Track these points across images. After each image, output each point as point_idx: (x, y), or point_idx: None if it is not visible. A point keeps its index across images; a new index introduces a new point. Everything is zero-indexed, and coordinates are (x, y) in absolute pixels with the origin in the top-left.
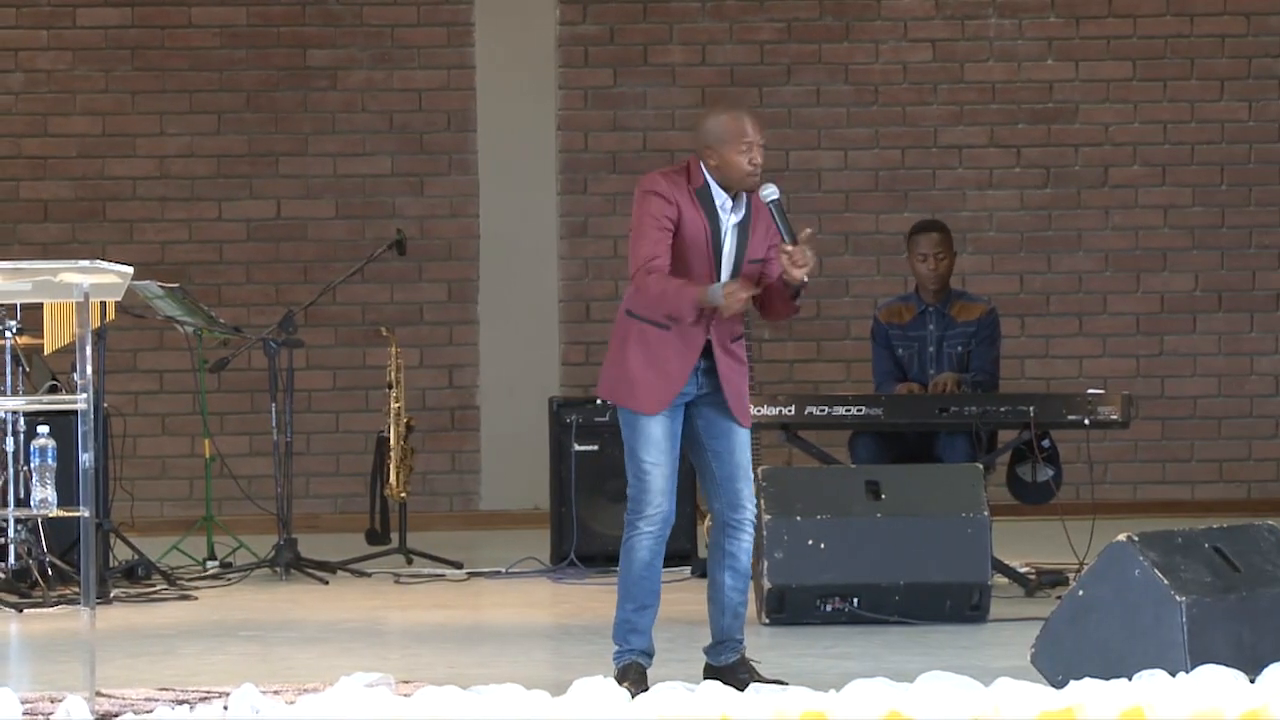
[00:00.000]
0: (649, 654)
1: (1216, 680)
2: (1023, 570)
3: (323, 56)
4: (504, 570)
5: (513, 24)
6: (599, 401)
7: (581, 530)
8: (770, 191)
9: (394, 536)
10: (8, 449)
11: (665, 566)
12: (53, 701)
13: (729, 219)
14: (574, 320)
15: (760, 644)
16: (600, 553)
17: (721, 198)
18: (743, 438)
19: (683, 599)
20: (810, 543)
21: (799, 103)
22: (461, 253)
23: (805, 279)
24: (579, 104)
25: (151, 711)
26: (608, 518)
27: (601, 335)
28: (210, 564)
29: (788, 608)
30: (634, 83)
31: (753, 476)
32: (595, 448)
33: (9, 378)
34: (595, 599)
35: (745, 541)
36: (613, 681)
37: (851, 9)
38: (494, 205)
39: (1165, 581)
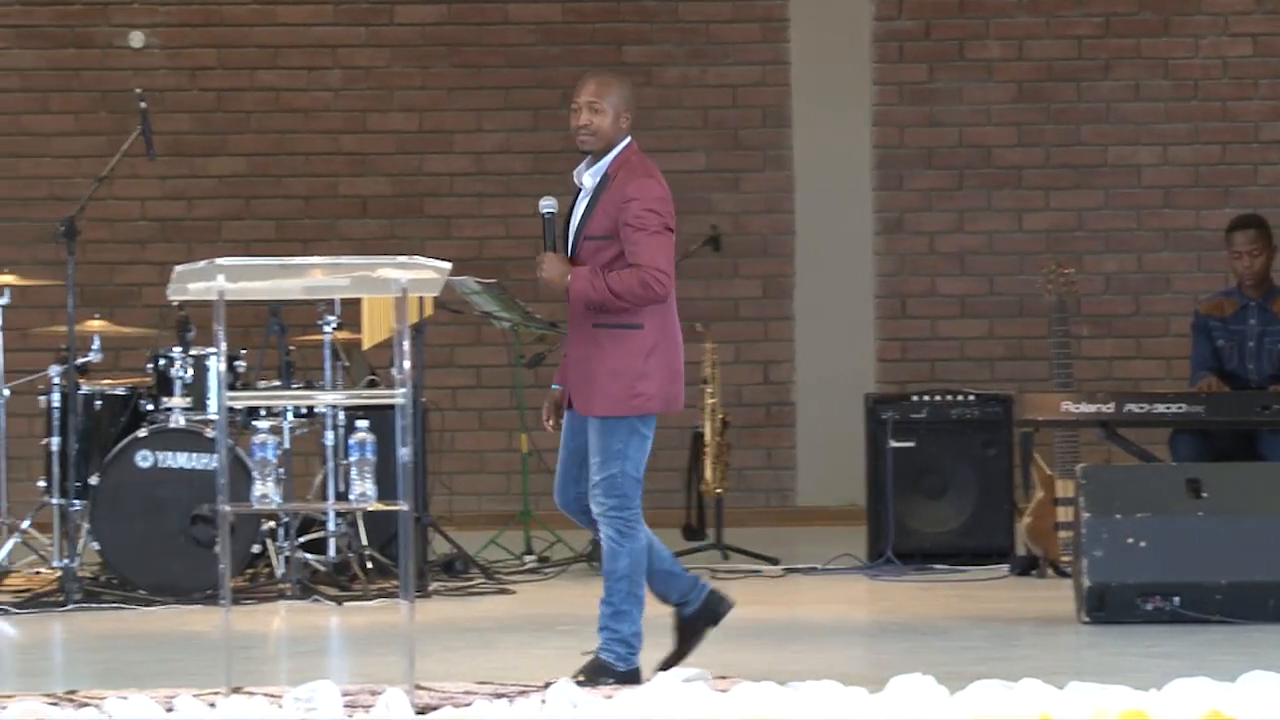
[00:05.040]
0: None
1: None
2: None
3: (638, 53)
4: (820, 566)
5: (828, 20)
6: (915, 398)
7: (898, 527)
8: (545, 204)
9: (710, 532)
10: (327, 443)
11: (980, 564)
12: (373, 694)
13: (581, 196)
14: (889, 316)
15: (1079, 642)
16: (917, 550)
17: (583, 168)
18: (594, 424)
19: (1000, 596)
20: (1130, 541)
21: (1117, 98)
22: (776, 249)
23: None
24: (894, 99)
25: (470, 705)
26: (924, 515)
27: (917, 331)
28: (528, 558)
29: (1108, 606)
30: (950, 78)
31: (607, 467)
32: (912, 444)
33: (328, 372)
34: (912, 596)
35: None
36: None
37: (1171, 3)
38: (809, 201)
39: None
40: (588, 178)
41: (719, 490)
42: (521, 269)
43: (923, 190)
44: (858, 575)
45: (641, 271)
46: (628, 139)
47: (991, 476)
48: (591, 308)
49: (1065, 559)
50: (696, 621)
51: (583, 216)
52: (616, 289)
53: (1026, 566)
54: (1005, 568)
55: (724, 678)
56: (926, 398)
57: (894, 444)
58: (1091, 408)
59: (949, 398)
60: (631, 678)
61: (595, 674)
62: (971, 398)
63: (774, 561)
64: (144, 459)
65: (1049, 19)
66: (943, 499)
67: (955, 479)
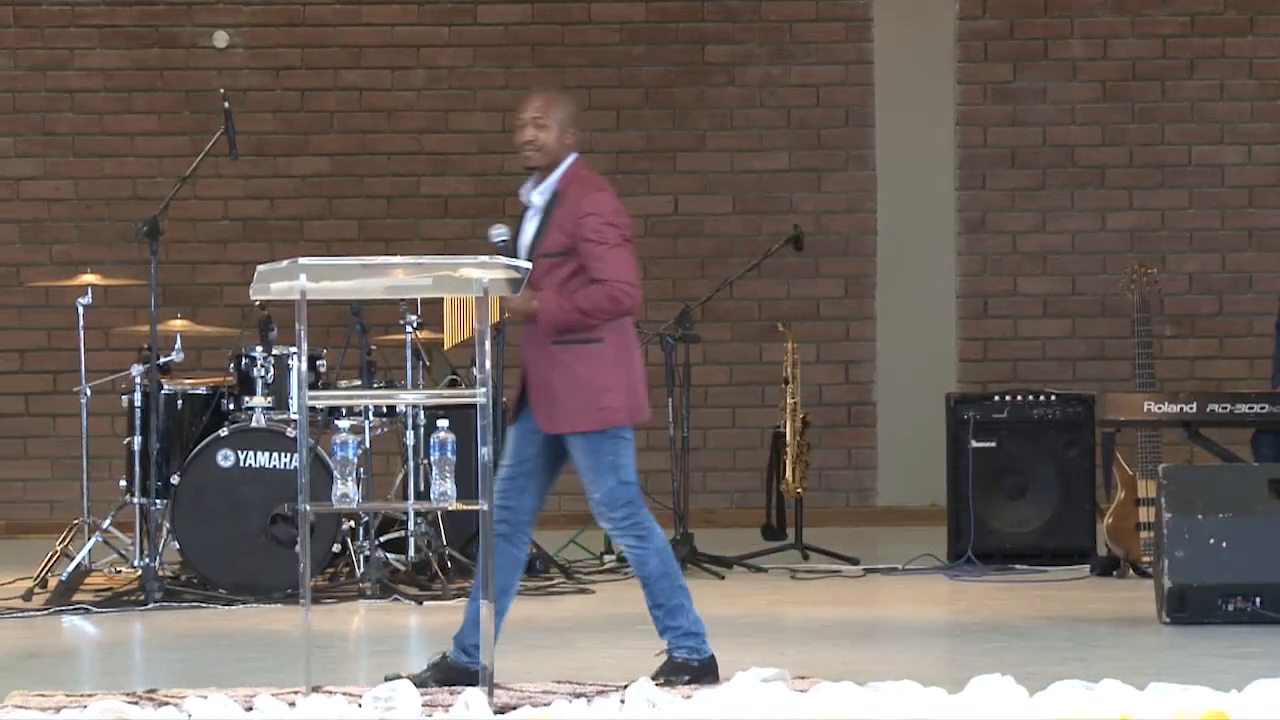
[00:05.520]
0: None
1: None
2: None
3: (721, 52)
4: (900, 566)
5: (911, 19)
6: (997, 398)
7: (979, 527)
8: (497, 232)
9: (790, 532)
10: (408, 442)
11: (1061, 564)
12: (452, 694)
13: (530, 209)
14: (971, 316)
15: (1160, 643)
16: (998, 550)
17: (529, 186)
18: (575, 443)
19: (1081, 597)
20: (1211, 542)
21: (1201, 97)
22: (858, 248)
23: (515, 314)
24: (978, 99)
25: (549, 704)
26: (1006, 515)
27: (999, 331)
28: (607, 558)
29: (1189, 607)
30: (1034, 77)
31: (603, 482)
32: (993, 444)
33: (409, 372)
34: (993, 596)
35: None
36: None
37: (1256, 2)
38: (891, 201)
39: None
40: (536, 196)
41: (799, 490)
42: None
43: (1006, 190)
44: (938, 575)
45: (609, 286)
46: (573, 155)
47: (1073, 476)
48: (561, 330)
49: (1146, 559)
50: (456, 670)
51: (535, 235)
52: (585, 307)
53: (1108, 567)
54: (1086, 568)
55: (803, 678)
56: (1008, 397)
57: (975, 444)
58: (1174, 408)
59: (1031, 398)
60: (709, 666)
61: (673, 673)
62: (1053, 398)
63: (854, 561)
64: (225, 458)
65: (1133, 18)
66: (1024, 499)
67: (1037, 479)
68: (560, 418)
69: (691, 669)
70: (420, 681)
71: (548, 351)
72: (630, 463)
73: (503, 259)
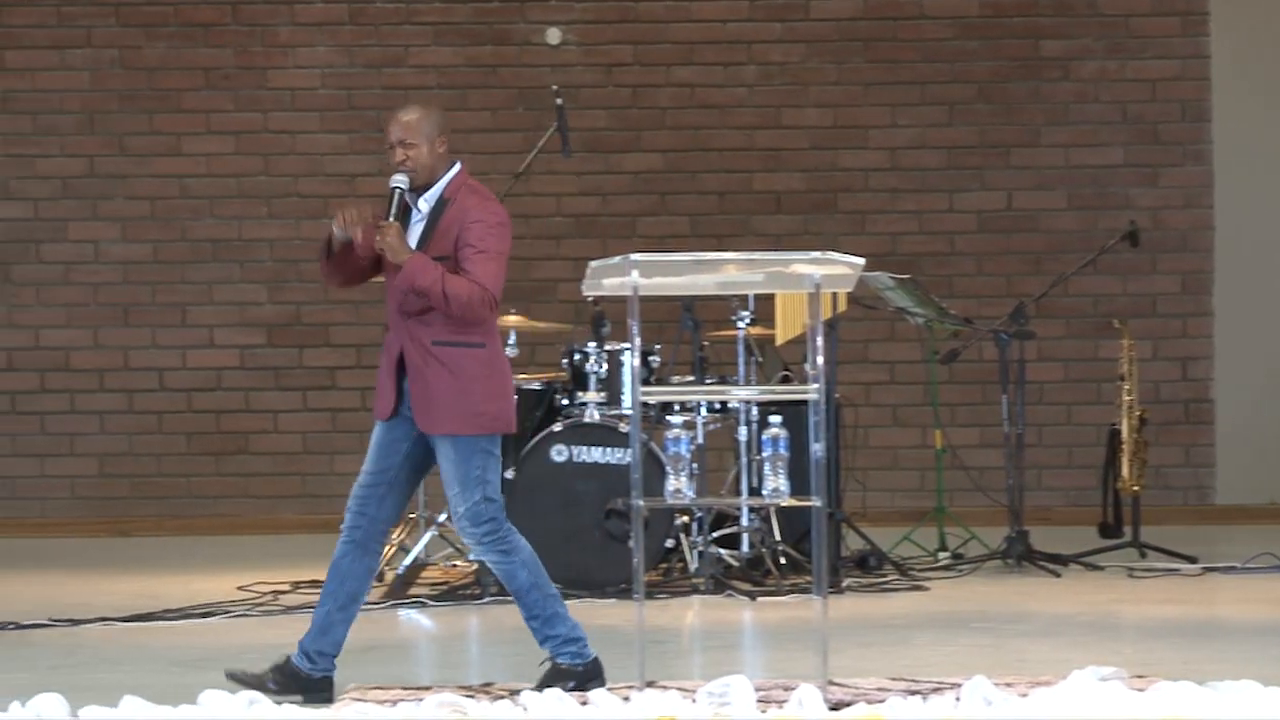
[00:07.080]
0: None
1: None
2: None
3: (1055, 47)
4: (1239, 565)
5: (1248, 13)
6: None
7: None
8: (399, 179)
9: (1127, 530)
10: (741, 438)
11: None
12: (786, 690)
13: (415, 218)
14: None
15: None
16: None
17: (415, 198)
18: (445, 451)
19: None
20: None
21: None
22: (1196, 244)
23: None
24: None
25: (883, 702)
26: None
27: None
28: (942, 555)
29: None
30: None
31: (469, 495)
32: None
33: (742, 368)
34: None
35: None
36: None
37: None
38: (1229, 196)
39: None
40: (422, 202)
41: (1136, 488)
42: (936, 264)
43: None
44: (1278, 575)
45: (475, 287)
46: (456, 164)
47: None
48: (412, 293)
49: None
50: (298, 676)
51: (420, 239)
52: (450, 289)
53: None
54: None
55: (1141, 676)
56: None
57: None
58: None
59: None
60: (593, 670)
61: (558, 679)
62: None
63: (1192, 560)
64: (559, 453)
65: None
66: None
67: None
68: (439, 418)
69: (576, 674)
70: (258, 683)
71: (428, 350)
72: (496, 478)
73: (835, 255)
